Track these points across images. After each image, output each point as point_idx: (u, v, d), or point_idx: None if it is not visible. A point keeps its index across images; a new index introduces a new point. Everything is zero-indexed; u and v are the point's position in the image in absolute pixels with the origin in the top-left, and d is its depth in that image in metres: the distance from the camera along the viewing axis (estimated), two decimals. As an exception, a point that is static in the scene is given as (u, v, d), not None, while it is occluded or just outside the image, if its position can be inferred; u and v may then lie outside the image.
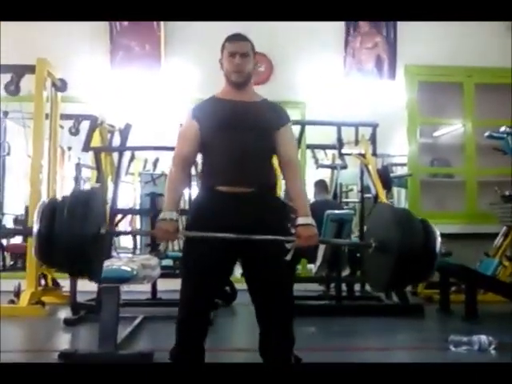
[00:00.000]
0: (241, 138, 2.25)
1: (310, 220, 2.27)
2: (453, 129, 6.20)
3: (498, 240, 5.02)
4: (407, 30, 6.04)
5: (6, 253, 6.73)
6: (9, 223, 6.83)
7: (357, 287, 5.26)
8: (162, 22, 5.94)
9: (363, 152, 5.06)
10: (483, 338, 3.21)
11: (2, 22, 5.48)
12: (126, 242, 7.20)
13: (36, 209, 2.31)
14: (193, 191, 4.51)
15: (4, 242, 6.75)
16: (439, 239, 2.37)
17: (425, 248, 2.34)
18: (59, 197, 2.56)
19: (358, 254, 4.84)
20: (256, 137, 2.27)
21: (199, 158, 2.43)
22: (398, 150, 6.69)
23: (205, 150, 2.33)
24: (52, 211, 2.28)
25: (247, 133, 2.26)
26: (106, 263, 2.97)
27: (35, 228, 2.26)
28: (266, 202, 2.28)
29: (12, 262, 6.74)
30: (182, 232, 2.34)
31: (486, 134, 5.06)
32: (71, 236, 2.21)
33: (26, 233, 3.29)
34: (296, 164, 2.36)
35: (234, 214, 2.23)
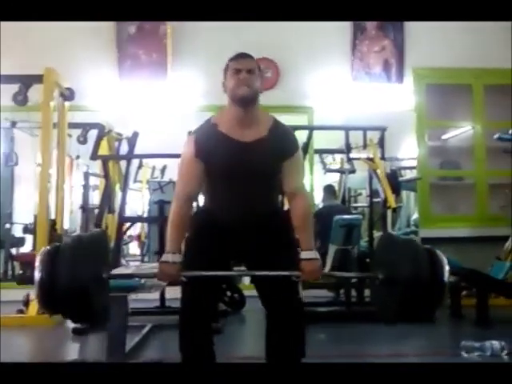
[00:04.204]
0: (246, 185, 2.22)
1: (313, 254, 2.24)
2: (462, 131, 6.15)
3: (510, 243, 4.95)
4: (414, 32, 6.00)
5: (15, 262, 6.74)
6: (18, 232, 6.86)
7: (366, 293, 5.21)
8: (168, 30, 5.95)
9: (371, 156, 5.02)
10: (495, 343, 3.17)
11: (11, 32, 5.53)
12: (134, 249, 7.22)
13: (38, 255, 2.31)
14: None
15: (13, 250, 6.78)
16: (447, 268, 2.31)
17: (432, 278, 2.28)
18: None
19: (368, 260, 4.82)
20: (262, 182, 2.25)
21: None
22: (407, 153, 6.65)
23: (207, 190, 2.32)
24: (53, 258, 2.26)
25: (253, 180, 2.22)
26: (114, 272, 2.96)
27: (37, 275, 2.24)
28: (271, 227, 2.28)
29: (21, 271, 6.75)
30: (185, 273, 2.28)
31: (496, 136, 5.01)
32: (72, 283, 2.19)
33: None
34: (301, 195, 2.29)
35: (237, 239, 2.26)
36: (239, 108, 2.20)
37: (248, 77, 2.17)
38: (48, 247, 2.40)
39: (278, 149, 2.22)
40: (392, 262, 2.35)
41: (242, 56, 2.23)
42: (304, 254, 2.24)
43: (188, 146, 2.23)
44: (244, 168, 2.19)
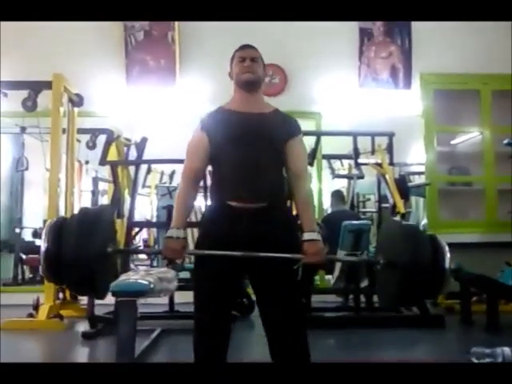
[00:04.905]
0: (251, 152, 2.22)
1: (315, 235, 2.23)
2: (470, 136, 6.13)
3: (520, 249, 4.94)
4: (421, 38, 6.02)
5: (24, 266, 6.78)
6: (28, 237, 6.90)
7: (375, 298, 5.19)
8: (176, 36, 5.99)
9: (380, 161, 5.02)
10: (507, 350, 3.12)
11: (20, 39, 5.59)
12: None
13: (45, 228, 2.32)
14: (204, 203, 4.48)
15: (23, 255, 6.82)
16: (448, 255, 2.32)
17: (433, 264, 2.30)
18: (68, 215, 2.56)
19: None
20: (266, 150, 2.25)
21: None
22: (416, 158, 6.64)
23: (214, 163, 2.31)
24: (59, 230, 2.28)
25: (257, 146, 2.23)
26: (123, 277, 2.96)
27: (42, 246, 2.26)
28: (276, 217, 2.24)
29: (31, 275, 6.79)
30: (189, 250, 2.30)
31: (505, 141, 5.00)
32: (77, 255, 2.20)
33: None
34: (304, 177, 2.31)
35: (245, 229, 2.20)
36: (244, 92, 2.33)
37: (251, 64, 2.33)
38: (55, 219, 2.41)
39: (282, 127, 2.31)
40: (395, 248, 2.35)
41: (246, 46, 2.41)
42: (306, 236, 2.23)
43: (195, 129, 2.34)
44: (251, 135, 2.24)
